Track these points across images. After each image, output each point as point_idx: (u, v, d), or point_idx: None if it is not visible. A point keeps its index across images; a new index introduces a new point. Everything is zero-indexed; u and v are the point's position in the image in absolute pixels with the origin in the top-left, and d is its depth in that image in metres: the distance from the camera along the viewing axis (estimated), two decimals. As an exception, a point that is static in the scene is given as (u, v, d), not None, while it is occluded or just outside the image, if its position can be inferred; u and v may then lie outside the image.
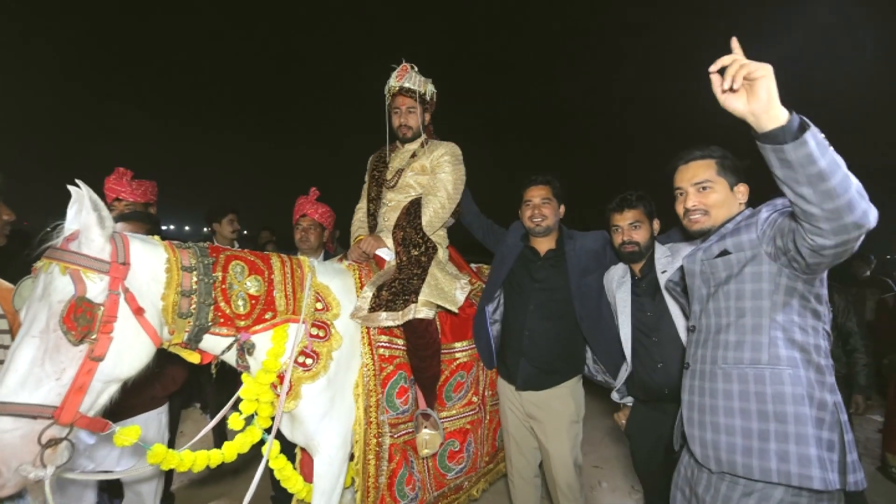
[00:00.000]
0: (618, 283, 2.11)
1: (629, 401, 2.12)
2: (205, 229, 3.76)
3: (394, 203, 2.33)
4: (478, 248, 2.73)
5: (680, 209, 1.57)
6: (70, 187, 1.31)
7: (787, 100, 1.05)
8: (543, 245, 2.32)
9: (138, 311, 1.33)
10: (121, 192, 2.51)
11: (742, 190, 1.53)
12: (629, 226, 2.01)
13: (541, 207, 2.24)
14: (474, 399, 2.34)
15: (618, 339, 2.07)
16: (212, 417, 3.94)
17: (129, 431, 1.43)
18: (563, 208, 2.33)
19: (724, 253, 1.39)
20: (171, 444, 2.72)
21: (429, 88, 2.33)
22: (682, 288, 1.66)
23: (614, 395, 2.14)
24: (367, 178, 2.51)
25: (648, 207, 2.04)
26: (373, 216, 2.39)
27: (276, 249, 4.39)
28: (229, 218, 3.55)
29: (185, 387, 2.26)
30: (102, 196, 2.52)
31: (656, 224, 2.07)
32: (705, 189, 1.51)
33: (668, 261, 1.99)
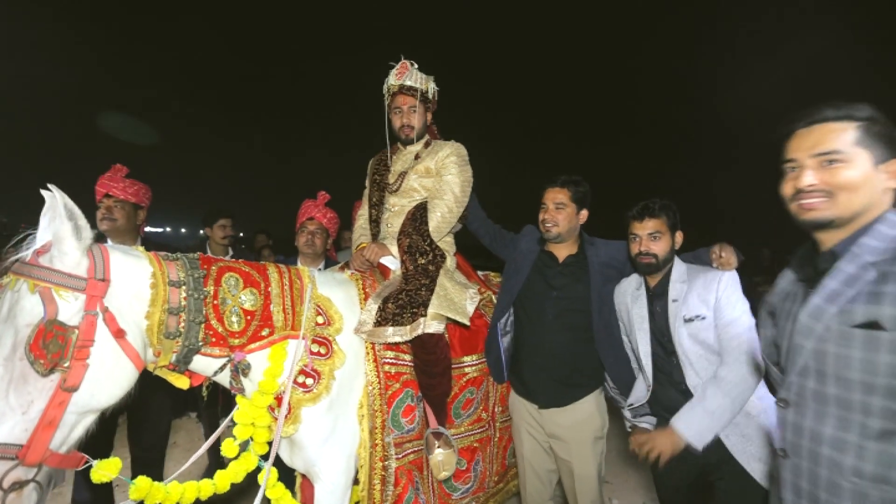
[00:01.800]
0: (633, 297, 1.95)
1: (648, 423, 1.93)
2: (201, 231, 3.64)
3: (397, 208, 2.19)
4: (483, 252, 2.58)
5: (788, 190, 1.09)
6: (43, 192, 1.16)
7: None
8: (563, 250, 2.14)
9: (119, 334, 1.19)
10: (113, 187, 2.37)
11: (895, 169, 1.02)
12: (648, 236, 1.84)
13: (554, 213, 2.06)
14: (483, 416, 2.20)
15: (628, 355, 1.95)
16: (205, 427, 3.80)
17: (108, 465, 1.28)
18: (584, 213, 2.13)
19: (873, 325, 0.92)
20: (163, 456, 2.59)
21: (430, 86, 2.20)
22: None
23: (626, 414, 1.97)
24: (367, 182, 2.37)
25: (672, 218, 1.86)
26: (375, 222, 2.25)
27: (273, 254, 4.26)
28: (220, 223, 3.41)
29: (178, 394, 2.11)
30: (93, 194, 2.39)
31: (679, 237, 1.89)
32: (832, 163, 1.03)
33: (682, 288, 1.81)
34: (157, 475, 2.49)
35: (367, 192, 2.36)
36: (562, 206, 2.06)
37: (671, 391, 1.81)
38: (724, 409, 1.62)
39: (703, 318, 1.74)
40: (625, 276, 2.07)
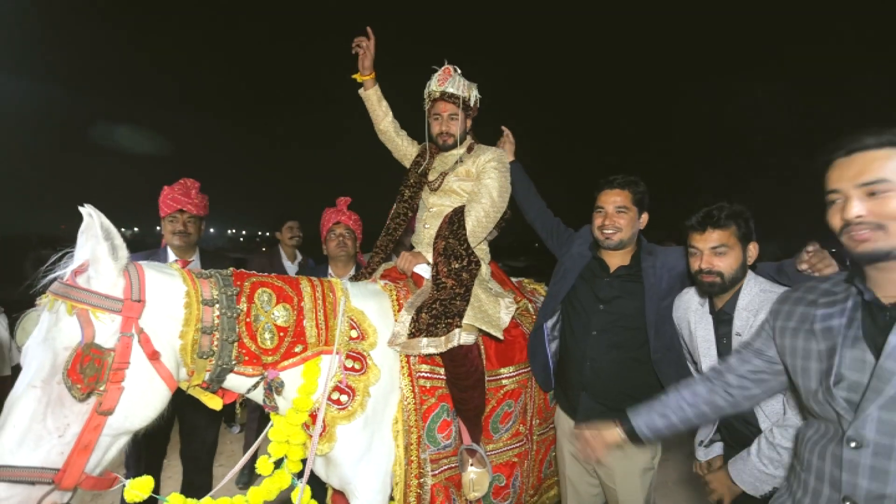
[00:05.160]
0: (696, 315, 1.68)
1: (717, 451, 1.76)
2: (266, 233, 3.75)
3: (436, 209, 2.13)
4: (507, 257, 2.47)
5: (835, 221, 1.05)
6: (81, 210, 1.14)
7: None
8: (615, 259, 1.94)
9: (153, 356, 1.17)
10: (187, 203, 2.36)
11: None
12: (711, 250, 1.53)
13: (615, 217, 1.85)
14: (521, 429, 2.12)
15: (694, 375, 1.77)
16: (246, 430, 3.83)
17: (140, 484, 1.25)
18: (645, 217, 1.92)
19: None
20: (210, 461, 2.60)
21: (473, 94, 2.11)
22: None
23: (699, 454, 1.78)
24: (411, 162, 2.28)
25: (743, 228, 1.54)
26: (406, 203, 2.19)
27: (302, 251, 4.29)
28: (288, 225, 3.60)
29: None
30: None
31: (752, 249, 1.56)
32: (878, 195, 0.97)
33: (749, 320, 1.50)
34: (207, 481, 2.52)
35: (409, 171, 2.27)
36: (623, 210, 1.85)
37: (741, 426, 1.60)
38: (780, 472, 1.42)
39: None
40: (687, 286, 1.80)
